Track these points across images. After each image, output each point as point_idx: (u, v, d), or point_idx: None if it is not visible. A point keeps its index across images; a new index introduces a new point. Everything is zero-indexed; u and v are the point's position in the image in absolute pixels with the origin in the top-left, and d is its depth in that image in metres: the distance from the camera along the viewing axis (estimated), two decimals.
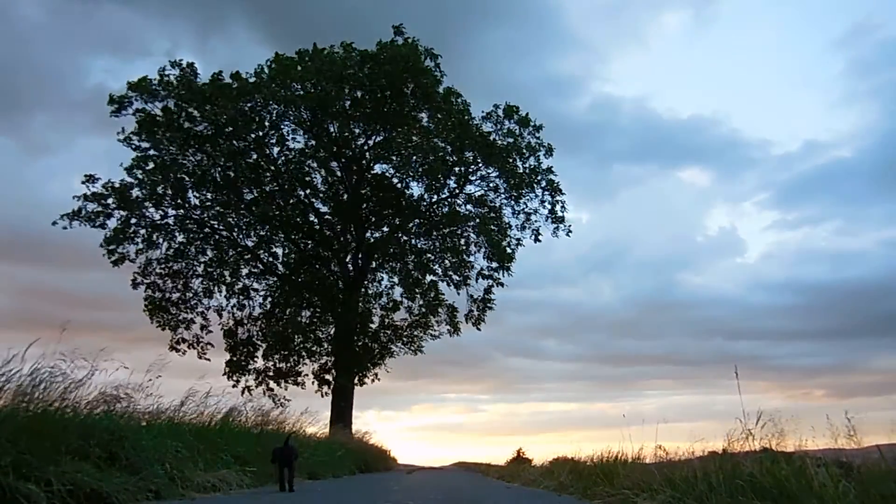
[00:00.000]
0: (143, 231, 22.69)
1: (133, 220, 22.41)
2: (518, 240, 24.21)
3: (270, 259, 24.88)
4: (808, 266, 64.52)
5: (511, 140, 23.40)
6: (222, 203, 23.66)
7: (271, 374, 24.29)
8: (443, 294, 24.71)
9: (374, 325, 25.11)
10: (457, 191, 24.49)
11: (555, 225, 23.89)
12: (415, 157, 23.07)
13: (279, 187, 24.11)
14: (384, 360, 24.84)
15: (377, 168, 25.10)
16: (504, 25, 59.91)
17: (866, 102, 67.87)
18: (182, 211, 23.26)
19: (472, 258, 24.32)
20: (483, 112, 23.67)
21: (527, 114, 23.48)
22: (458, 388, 67.58)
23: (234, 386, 23.48)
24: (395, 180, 24.72)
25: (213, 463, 8.12)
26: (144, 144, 22.26)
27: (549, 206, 23.92)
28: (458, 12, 55.50)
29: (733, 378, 6.09)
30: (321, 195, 25.18)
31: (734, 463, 5.26)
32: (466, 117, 23.25)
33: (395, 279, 25.48)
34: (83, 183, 21.79)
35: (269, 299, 24.95)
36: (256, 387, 23.80)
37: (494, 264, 23.87)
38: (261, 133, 23.15)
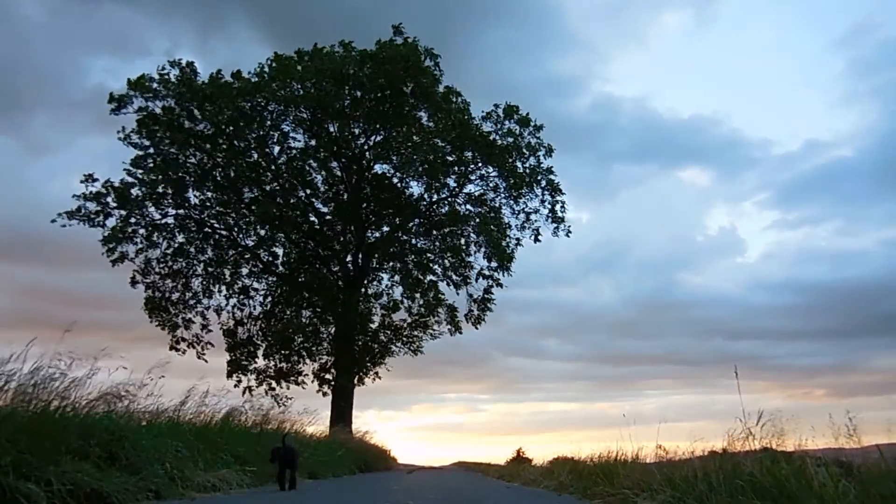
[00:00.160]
0: (142, 230, 22.71)
1: (133, 220, 22.42)
2: (518, 240, 24.31)
3: (270, 259, 24.88)
4: (808, 266, 64.57)
5: (511, 140, 23.44)
6: (222, 202, 23.66)
7: (272, 373, 24.32)
8: (443, 294, 24.77)
9: (374, 325, 25.17)
10: (457, 190, 24.55)
11: (555, 225, 23.98)
12: (415, 157, 23.08)
13: (279, 187, 24.11)
14: (384, 359, 24.91)
15: (377, 168, 25.16)
16: (504, 25, 59.91)
17: (866, 102, 67.92)
18: (182, 210, 23.26)
19: (471, 258, 24.38)
20: (483, 112, 23.76)
21: (527, 114, 23.55)
22: (458, 388, 67.66)
23: (235, 386, 23.59)
24: (395, 180, 24.78)
25: (213, 463, 8.14)
26: (145, 142, 22.26)
27: (549, 206, 24.01)
28: (458, 12, 55.48)
29: (733, 378, 6.08)
30: (321, 195, 25.20)
31: (734, 463, 5.25)
32: (466, 117, 23.28)
33: (395, 279, 25.50)
34: (82, 182, 21.78)
35: (270, 299, 24.99)
36: (258, 387, 23.85)
37: (494, 264, 23.92)
38: (261, 132, 23.16)
